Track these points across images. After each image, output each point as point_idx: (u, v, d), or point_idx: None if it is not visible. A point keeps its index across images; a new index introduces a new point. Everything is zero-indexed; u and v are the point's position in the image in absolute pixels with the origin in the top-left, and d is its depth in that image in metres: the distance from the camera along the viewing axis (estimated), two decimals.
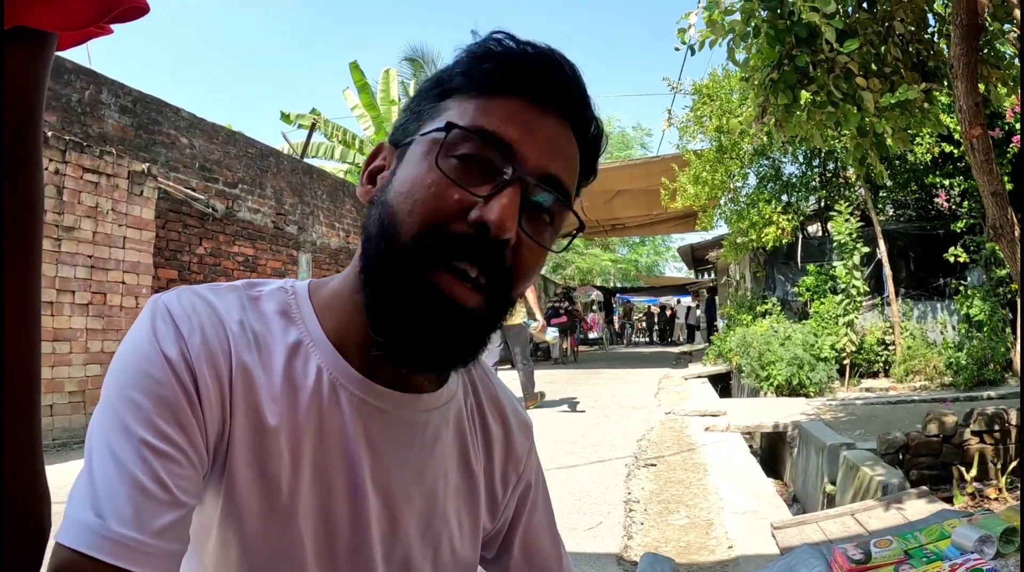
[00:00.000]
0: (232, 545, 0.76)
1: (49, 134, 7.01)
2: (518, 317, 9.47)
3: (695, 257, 24.87)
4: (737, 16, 4.75)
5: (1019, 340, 9.66)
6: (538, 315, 9.70)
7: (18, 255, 0.66)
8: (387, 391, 0.83)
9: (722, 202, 13.62)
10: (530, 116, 0.77)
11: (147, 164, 8.14)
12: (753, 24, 4.62)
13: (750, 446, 7.32)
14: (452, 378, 0.92)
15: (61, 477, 5.40)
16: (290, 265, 11.59)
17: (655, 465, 6.03)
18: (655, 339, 38.42)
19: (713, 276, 24.58)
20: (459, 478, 0.92)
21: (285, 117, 18.95)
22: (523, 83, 0.77)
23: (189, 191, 9.32)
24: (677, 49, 5.34)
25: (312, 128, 15.90)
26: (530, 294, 9.57)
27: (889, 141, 5.02)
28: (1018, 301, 9.84)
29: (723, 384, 14.29)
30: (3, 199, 0.65)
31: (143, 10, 0.71)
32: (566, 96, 0.80)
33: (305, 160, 13.31)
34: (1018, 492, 4.93)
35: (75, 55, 9.31)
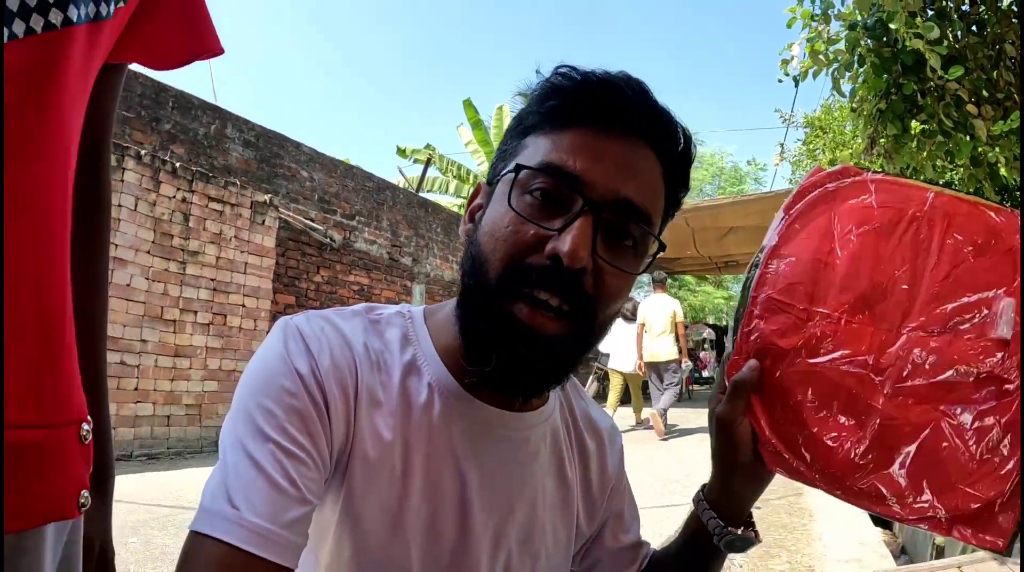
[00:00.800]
0: (346, 547, 0.81)
1: (177, 165, 7.44)
2: (673, 353, 9.57)
3: None
4: (841, 46, 4.62)
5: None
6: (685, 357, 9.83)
7: (92, 233, 0.87)
8: (493, 409, 0.87)
9: None
10: (597, 143, 0.79)
11: (269, 195, 8.52)
12: (858, 53, 4.48)
13: None
14: (551, 396, 0.96)
15: (173, 483, 5.62)
16: (404, 295, 11.83)
17: (759, 508, 5.75)
18: None
19: None
20: (555, 491, 0.96)
21: (401, 152, 19.50)
22: (588, 112, 0.80)
23: (308, 222, 9.68)
24: (780, 81, 5.24)
25: (427, 164, 16.29)
26: (679, 329, 9.72)
27: (1003, 171, 4.72)
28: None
29: None
30: (84, 189, 0.79)
31: (219, 53, 0.87)
32: (635, 116, 0.81)
33: (420, 194, 13.65)
34: None
35: (202, 92, 9.94)
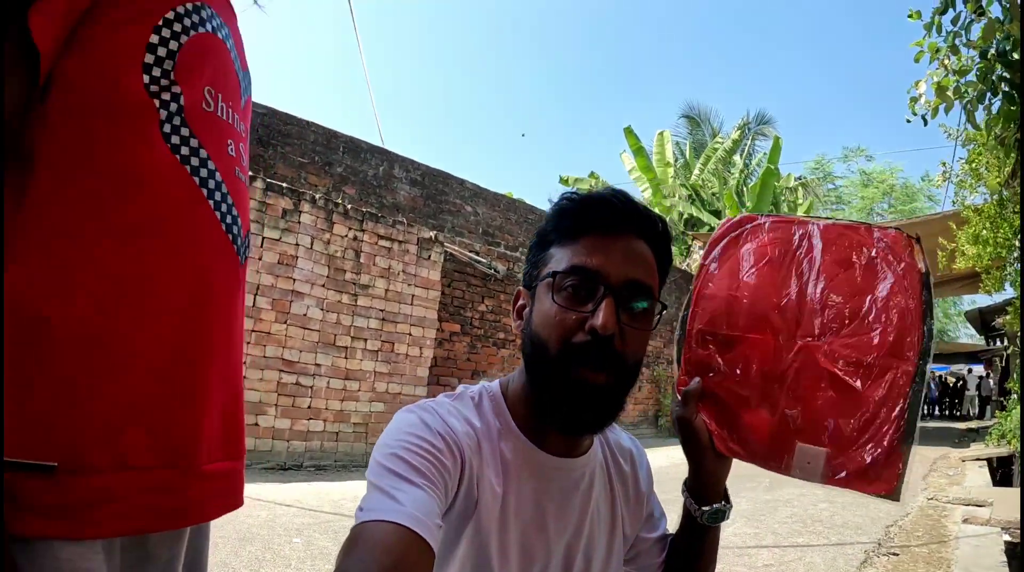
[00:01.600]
0: (468, 567, 1.06)
1: (348, 207, 8.04)
2: None
3: (984, 322, 21.95)
4: (972, 77, 4.41)
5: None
6: None
7: None
8: (560, 459, 1.13)
9: (1008, 262, 11.82)
10: (604, 243, 1.07)
11: (435, 231, 8.99)
12: (990, 81, 4.26)
13: (1013, 545, 6.26)
14: (595, 441, 1.22)
15: (337, 493, 6.03)
16: None
17: (897, 555, 5.45)
18: (943, 412, 34.02)
19: (1004, 343, 21.36)
20: (606, 511, 1.23)
21: (563, 181, 19.75)
22: (592, 223, 1.08)
23: (472, 254, 10.07)
24: (908, 121, 5.03)
25: None
26: None
27: None
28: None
29: (1004, 469, 12.17)
30: None
31: None
32: (625, 219, 1.10)
33: None
34: None
35: (369, 136, 10.55)
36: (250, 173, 0.94)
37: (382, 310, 8.24)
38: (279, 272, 7.41)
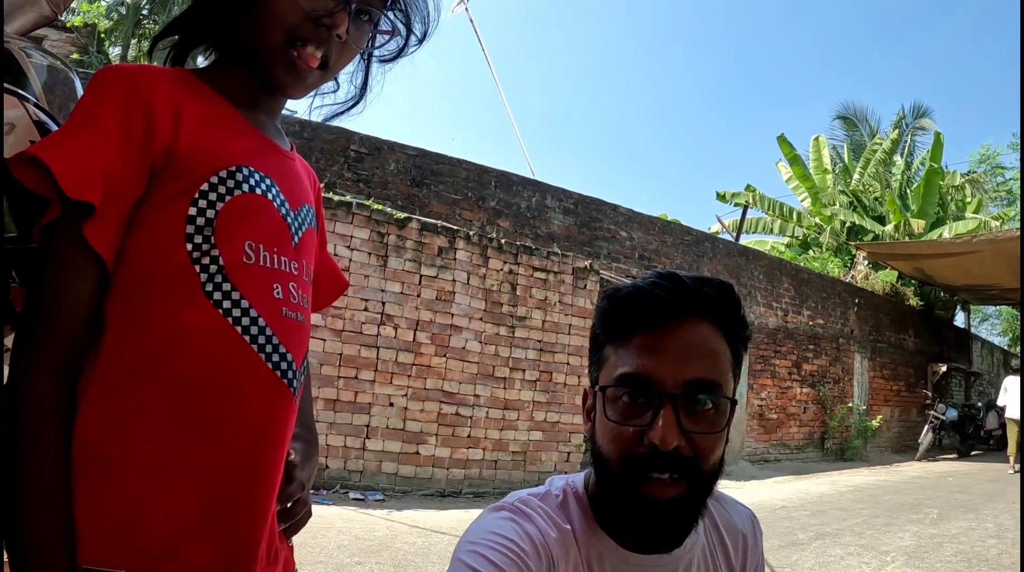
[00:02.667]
0: None
1: (503, 241, 8.05)
2: None
3: None
4: None
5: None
6: None
7: (307, 376, 1.17)
8: (649, 557, 1.03)
9: None
10: (656, 342, 0.96)
11: (589, 260, 8.82)
12: None
13: None
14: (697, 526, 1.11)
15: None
16: None
17: None
18: None
19: None
20: None
21: (720, 197, 18.88)
22: (639, 320, 0.97)
23: (630, 280, 9.80)
24: None
25: (744, 210, 15.72)
26: None
27: None
28: None
29: None
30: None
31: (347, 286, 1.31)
32: (679, 305, 0.97)
33: (744, 236, 13.19)
34: None
35: (519, 169, 10.45)
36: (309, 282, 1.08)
37: (539, 341, 8.15)
38: (437, 307, 7.49)
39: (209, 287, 0.89)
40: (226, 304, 0.90)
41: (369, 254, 7.16)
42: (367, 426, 7.01)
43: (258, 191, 0.96)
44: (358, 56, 1.08)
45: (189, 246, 0.89)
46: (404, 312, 7.28)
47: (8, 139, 0.96)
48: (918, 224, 16.86)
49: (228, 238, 0.91)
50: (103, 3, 12.83)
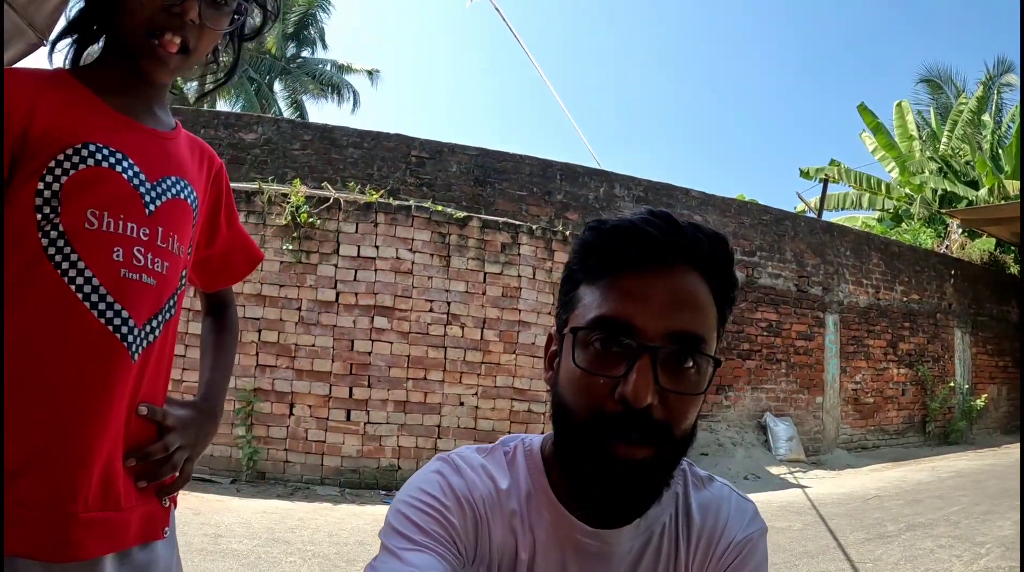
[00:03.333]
0: None
1: (567, 233, 7.88)
2: None
3: None
4: None
5: None
6: None
7: (224, 353, 1.34)
8: (596, 530, 0.94)
9: None
10: (640, 285, 0.86)
11: None
12: None
13: None
14: (663, 500, 0.97)
15: None
16: (816, 327, 10.98)
17: None
18: None
19: None
20: None
21: (804, 173, 18.11)
22: (622, 259, 0.86)
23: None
24: None
25: (825, 185, 15.05)
26: None
27: None
28: None
29: None
30: (215, 327, 1.36)
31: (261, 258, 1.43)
32: (666, 250, 0.86)
33: (831, 214, 12.61)
34: None
35: (584, 160, 10.17)
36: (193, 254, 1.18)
37: None
38: (504, 304, 7.39)
39: (51, 251, 1.00)
40: (64, 265, 1.00)
41: (431, 255, 7.13)
42: (438, 426, 6.99)
43: (104, 164, 1.04)
44: (226, 36, 1.20)
45: (39, 216, 1.00)
46: (470, 311, 7.21)
47: None
48: (1013, 185, 15.74)
49: (71, 207, 1.01)
50: None
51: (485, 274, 7.31)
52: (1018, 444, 12.75)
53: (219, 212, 1.28)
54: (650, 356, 0.82)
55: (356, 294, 6.84)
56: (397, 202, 7.14)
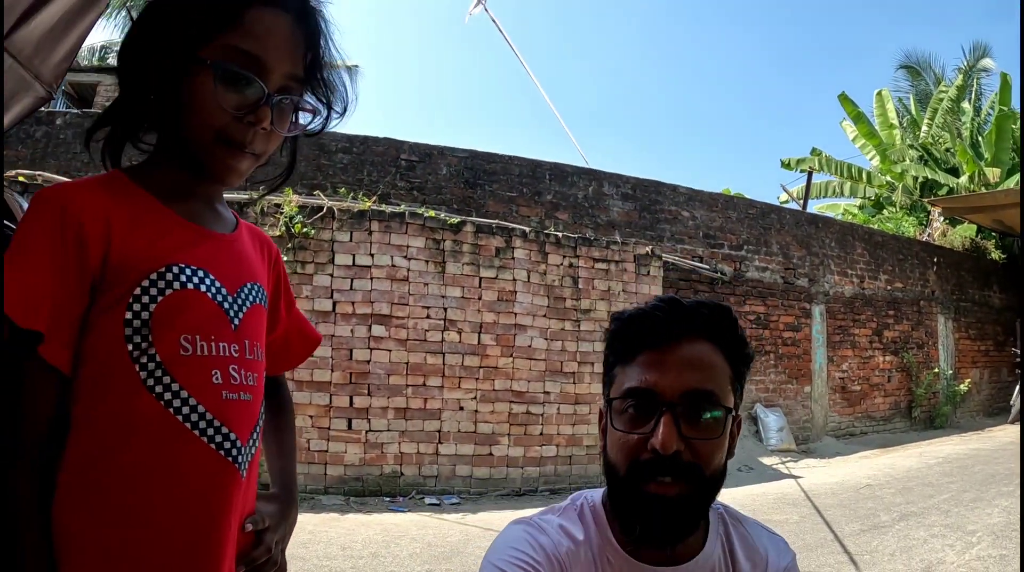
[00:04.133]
0: None
1: (560, 235, 7.91)
2: None
3: None
4: None
5: None
6: None
7: (288, 436, 1.34)
8: (658, 568, 1.11)
9: None
10: (657, 358, 1.07)
11: (650, 246, 8.60)
12: None
13: None
14: (709, 541, 1.17)
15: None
16: (803, 318, 11.11)
17: None
18: None
19: None
20: None
21: (785, 164, 18.13)
22: (642, 341, 1.09)
23: (694, 261, 9.58)
24: None
25: (809, 177, 15.13)
26: None
27: None
28: None
29: None
30: (274, 412, 1.29)
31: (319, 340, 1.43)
32: (675, 326, 1.08)
33: (813, 202, 12.69)
34: None
35: (572, 159, 10.22)
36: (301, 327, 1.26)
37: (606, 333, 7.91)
38: (500, 308, 7.42)
39: (150, 382, 0.98)
40: (167, 396, 0.98)
41: (426, 262, 7.13)
42: (439, 431, 7.01)
43: (190, 286, 1.03)
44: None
45: (129, 346, 0.97)
46: (467, 316, 7.23)
47: None
48: (993, 173, 15.92)
49: (163, 335, 0.99)
50: None
51: (480, 279, 7.33)
52: (1000, 426, 12.97)
53: (279, 300, 1.27)
54: (671, 412, 1.03)
55: (353, 303, 6.84)
56: (390, 209, 7.12)
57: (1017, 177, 15.97)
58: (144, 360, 0.98)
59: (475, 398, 7.18)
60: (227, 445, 1.04)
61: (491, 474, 7.19)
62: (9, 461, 0.93)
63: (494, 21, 9.49)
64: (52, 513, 0.94)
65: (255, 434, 1.11)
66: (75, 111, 9.33)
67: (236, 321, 1.09)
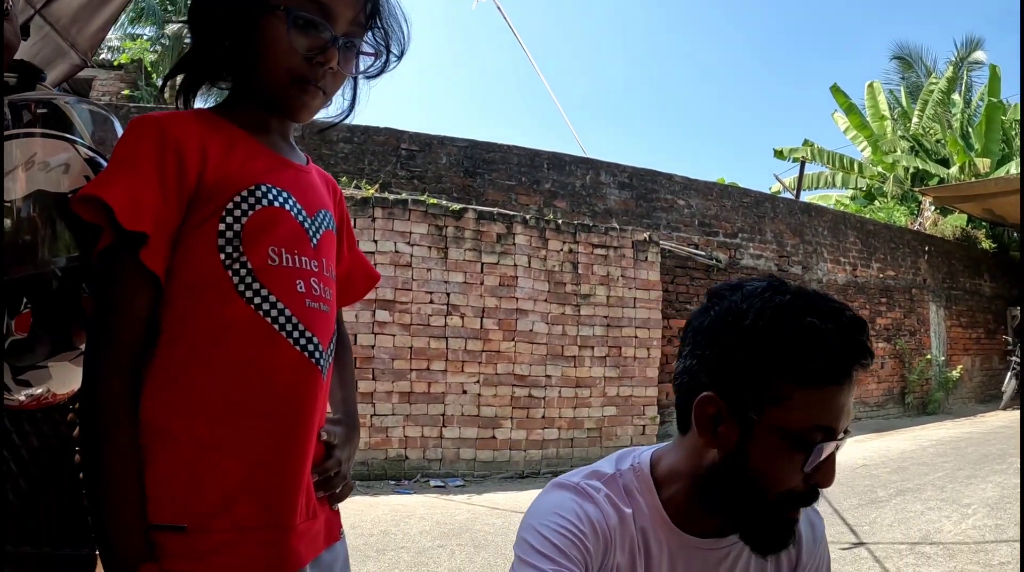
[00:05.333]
0: None
1: (560, 222, 8.00)
2: None
3: None
4: None
5: None
6: None
7: (347, 370, 1.36)
8: (705, 540, 1.12)
9: None
10: (842, 396, 0.99)
11: (648, 232, 8.69)
12: None
13: None
14: None
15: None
16: None
17: None
18: None
19: None
20: None
21: (778, 154, 18.27)
22: (841, 371, 0.99)
23: (691, 248, 9.70)
24: None
25: (802, 166, 15.25)
26: None
27: None
28: None
29: None
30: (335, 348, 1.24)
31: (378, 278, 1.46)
32: (863, 359, 1.01)
33: (806, 193, 12.81)
34: None
35: (570, 148, 10.31)
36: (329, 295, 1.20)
37: (606, 317, 8.10)
38: (502, 293, 7.50)
39: (241, 288, 1.05)
40: (256, 300, 1.06)
41: (429, 248, 7.20)
42: (443, 415, 7.09)
43: (276, 204, 1.11)
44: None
45: (222, 256, 1.05)
46: (469, 301, 7.31)
47: (65, 177, 1.15)
48: (983, 163, 16.06)
49: (254, 246, 1.06)
50: (145, 38, 13.33)
51: (482, 264, 7.41)
52: (992, 412, 13.12)
53: (343, 238, 1.32)
54: (835, 451, 1.00)
55: None
56: (393, 196, 7.21)
57: (1008, 166, 16.16)
58: (236, 267, 1.05)
59: (478, 382, 7.26)
60: (311, 348, 1.10)
61: (494, 457, 7.28)
62: (106, 359, 1.00)
63: (499, 8, 9.56)
64: (140, 411, 1.00)
65: (332, 343, 1.18)
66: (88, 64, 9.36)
67: (314, 240, 1.16)
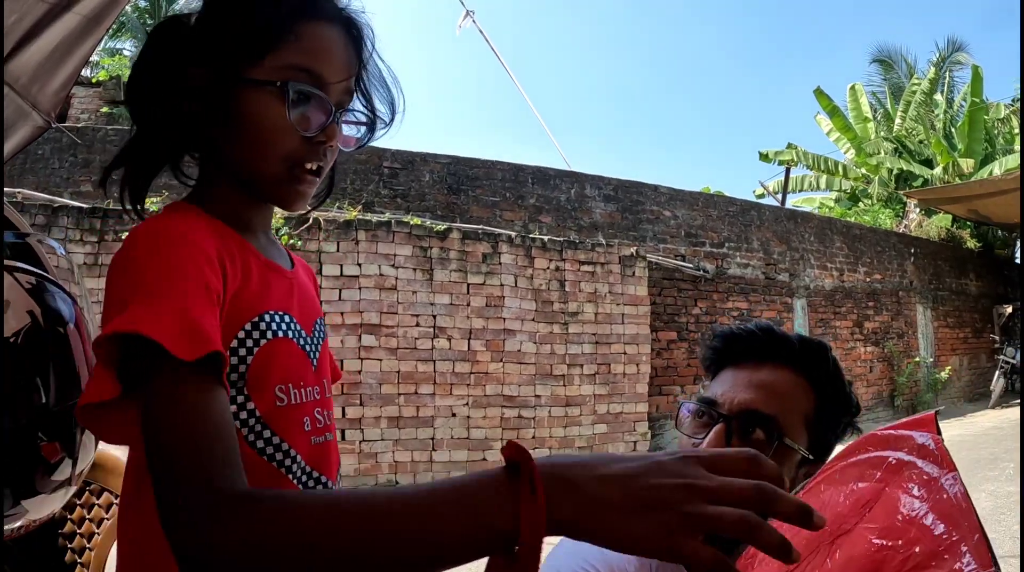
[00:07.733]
0: None
1: (546, 239, 7.94)
2: None
3: None
4: None
5: None
6: None
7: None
8: None
9: None
10: (735, 374, 1.12)
11: (635, 247, 8.64)
12: None
13: None
14: None
15: None
16: (785, 313, 11.17)
17: None
18: None
19: None
20: None
21: (763, 157, 18.25)
22: (730, 357, 1.15)
23: (677, 260, 9.64)
24: None
25: (787, 171, 15.25)
26: None
27: None
28: None
29: None
30: None
31: None
32: (768, 350, 1.12)
33: (791, 196, 12.78)
34: None
35: (554, 162, 10.32)
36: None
37: (594, 334, 8.05)
38: (488, 314, 7.43)
39: (251, 437, 0.93)
40: (268, 449, 0.95)
41: (414, 270, 7.12)
42: (432, 439, 7.01)
43: (280, 334, 0.96)
44: None
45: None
46: (456, 322, 7.23)
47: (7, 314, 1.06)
48: (967, 164, 16.13)
49: (260, 388, 0.94)
50: (125, 53, 13.12)
51: (468, 285, 7.35)
52: (982, 412, 13.15)
53: None
54: (725, 424, 1.06)
55: (342, 313, 6.81)
56: (377, 218, 7.11)
57: (991, 167, 16.22)
58: (244, 416, 0.92)
59: (467, 404, 7.18)
60: (317, 488, 1.02)
61: None
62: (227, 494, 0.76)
63: (481, 32, 9.52)
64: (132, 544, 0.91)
65: (339, 473, 1.10)
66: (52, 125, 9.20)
67: (315, 362, 1.05)
